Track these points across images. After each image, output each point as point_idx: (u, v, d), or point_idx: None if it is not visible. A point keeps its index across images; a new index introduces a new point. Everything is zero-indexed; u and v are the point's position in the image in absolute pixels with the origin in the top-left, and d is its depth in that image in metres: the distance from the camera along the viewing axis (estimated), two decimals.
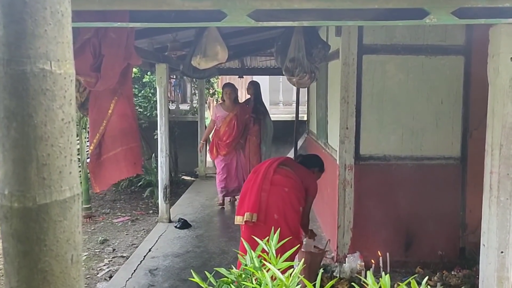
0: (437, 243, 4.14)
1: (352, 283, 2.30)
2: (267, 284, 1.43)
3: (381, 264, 3.58)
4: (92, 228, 5.81)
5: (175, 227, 5.55)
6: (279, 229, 1.84)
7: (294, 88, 8.05)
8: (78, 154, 6.69)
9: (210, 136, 6.77)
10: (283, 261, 1.55)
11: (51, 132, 0.88)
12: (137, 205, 6.90)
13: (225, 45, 4.33)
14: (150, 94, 8.27)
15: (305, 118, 7.86)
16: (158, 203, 5.94)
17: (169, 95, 8.50)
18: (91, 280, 4.27)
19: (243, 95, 10.29)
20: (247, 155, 6.76)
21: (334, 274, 3.79)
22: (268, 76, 11.84)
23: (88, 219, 6.08)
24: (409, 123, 4.10)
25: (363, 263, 3.83)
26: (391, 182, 4.14)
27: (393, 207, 4.12)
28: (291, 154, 7.26)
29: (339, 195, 4.07)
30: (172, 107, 9.65)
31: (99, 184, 3.73)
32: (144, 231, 5.64)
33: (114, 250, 5.03)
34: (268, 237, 1.69)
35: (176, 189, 7.54)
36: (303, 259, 3.29)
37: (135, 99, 8.17)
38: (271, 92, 13.22)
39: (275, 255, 1.57)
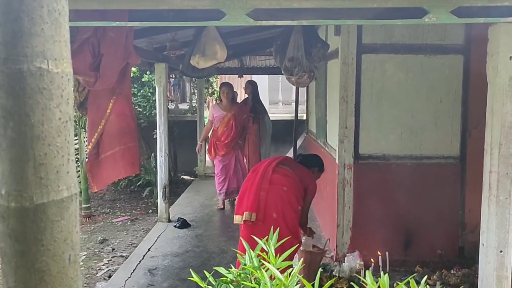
0: (437, 242, 4.14)
1: (351, 283, 2.30)
2: (266, 284, 1.43)
3: (380, 263, 3.58)
4: (92, 227, 5.81)
5: (175, 226, 5.55)
6: (278, 228, 1.84)
7: (294, 88, 8.05)
8: (77, 154, 6.68)
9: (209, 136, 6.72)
10: (282, 261, 1.55)
11: (48, 131, 0.88)
12: (136, 205, 6.90)
13: (224, 45, 4.33)
14: (149, 94, 8.27)
15: (305, 118, 7.86)
16: (157, 203, 5.94)
17: (168, 94, 8.49)
18: (90, 280, 4.27)
19: (242, 94, 10.27)
20: (247, 155, 6.75)
21: (334, 273, 3.79)
22: (267, 76, 11.83)
23: (87, 218, 6.07)
24: (408, 122, 4.10)
25: (363, 262, 3.83)
26: (390, 181, 4.13)
27: (393, 206, 4.12)
28: (290, 154, 7.26)
29: (338, 194, 4.07)
30: (171, 106, 9.66)
31: (97, 184, 3.73)
32: (144, 231, 5.64)
33: (113, 249, 5.03)
34: (267, 236, 1.68)
35: (175, 189, 7.53)
36: (302, 259, 3.30)
37: (134, 98, 8.17)
38: (270, 91, 13.21)
39: (274, 254, 1.57)
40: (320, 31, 5.02)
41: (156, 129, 5.80)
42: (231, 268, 1.60)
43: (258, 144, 6.79)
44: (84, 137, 6.32)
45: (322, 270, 3.68)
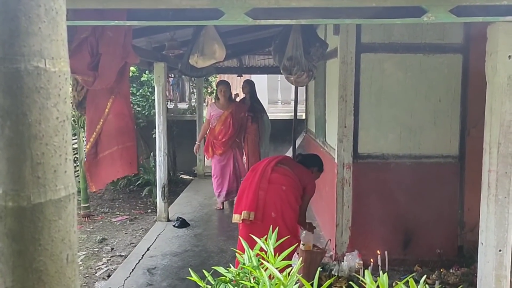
0: (436, 241, 4.14)
1: (350, 282, 2.30)
2: (265, 283, 1.43)
3: (379, 263, 3.58)
4: (91, 227, 5.80)
5: (174, 226, 5.54)
6: (277, 227, 1.83)
7: (293, 87, 8.04)
8: (76, 153, 6.68)
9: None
10: (281, 260, 1.54)
11: (46, 130, 0.87)
12: (135, 204, 6.89)
13: (223, 44, 4.33)
14: (148, 93, 8.26)
15: (304, 117, 7.85)
16: (156, 202, 5.93)
17: (167, 94, 8.49)
18: (89, 279, 4.27)
19: (240, 93, 10.27)
20: (246, 154, 6.74)
21: (333, 272, 3.79)
22: (266, 75, 11.83)
23: (86, 218, 6.06)
24: (407, 121, 4.10)
25: (362, 262, 3.83)
26: (390, 180, 4.13)
27: (392, 205, 4.12)
28: (289, 153, 7.26)
29: (337, 193, 4.07)
30: (170, 106, 9.64)
31: (96, 183, 3.73)
32: (143, 230, 5.63)
33: (112, 249, 5.03)
34: (266, 235, 1.68)
35: (174, 188, 7.53)
36: (301, 258, 3.30)
37: (133, 98, 8.16)
38: (269, 91, 13.20)
39: (273, 254, 1.57)
40: (319, 30, 5.02)
41: (155, 128, 5.79)
42: (230, 267, 1.60)
43: (257, 143, 6.78)
44: (83, 137, 6.31)
45: (321, 269, 3.68)
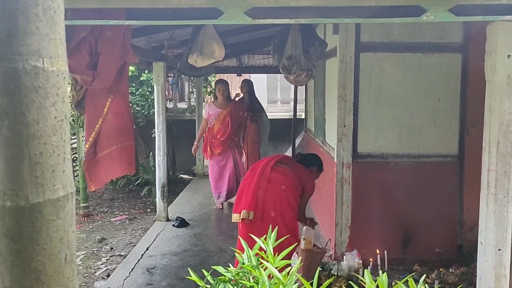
0: (435, 240, 4.14)
1: (350, 281, 2.30)
2: (264, 283, 1.43)
3: (379, 262, 3.58)
4: (90, 227, 5.80)
5: (173, 225, 5.54)
6: (276, 227, 1.83)
7: (292, 86, 8.03)
8: (76, 153, 6.67)
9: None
10: (280, 259, 1.54)
11: (44, 130, 0.87)
12: (135, 204, 6.89)
13: (222, 43, 4.32)
14: (148, 93, 8.26)
15: (303, 116, 7.85)
16: (156, 202, 5.93)
17: (166, 93, 8.49)
18: (88, 279, 4.27)
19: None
20: (246, 154, 6.73)
21: (332, 272, 3.79)
22: (265, 75, 11.83)
23: (86, 217, 6.06)
24: (407, 120, 4.10)
25: (361, 261, 3.83)
26: (389, 180, 4.13)
27: (391, 205, 4.12)
28: (289, 153, 7.26)
29: (337, 193, 4.07)
30: (170, 105, 9.64)
31: (94, 183, 3.73)
32: (142, 230, 5.63)
33: (112, 248, 5.02)
34: (265, 235, 1.68)
35: (174, 188, 7.53)
36: (301, 257, 3.30)
37: (133, 97, 8.15)
38: (269, 90, 13.20)
39: (272, 253, 1.57)
40: (319, 29, 5.01)
41: (154, 128, 5.79)
42: (229, 267, 1.60)
43: (257, 143, 6.78)
44: (82, 136, 6.31)
45: (320, 269, 3.68)
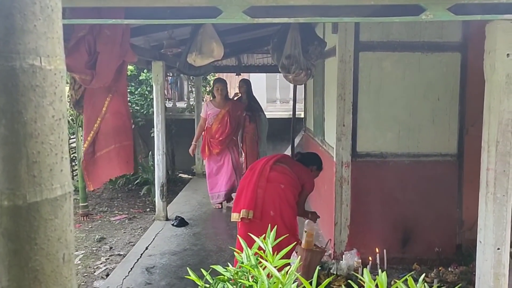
0: (434, 239, 4.15)
1: (349, 281, 2.29)
2: (263, 282, 1.43)
3: (378, 261, 3.58)
4: (89, 226, 5.80)
5: (172, 225, 5.53)
6: (275, 226, 1.83)
7: (291, 86, 8.03)
8: (75, 152, 6.67)
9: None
10: (279, 259, 1.54)
11: (42, 129, 0.87)
12: (134, 203, 6.88)
13: (221, 42, 4.32)
14: (147, 92, 8.25)
15: (302, 116, 7.85)
16: (155, 201, 5.92)
17: (165, 93, 8.48)
18: (88, 278, 4.26)
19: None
20: (244, 153, 6.72)
21: (331, 271, 3.79)
22: (265, 74, 11.82)
23: (85, 217, 6.06)
24: (406, 120, 4.10)
25: (360, 260, 3.83)
26: (388, 179, 4.13)
27: (390, 204, 4.12)
28: (288, 152, 7.26)
29: (336, 192, 4.07)
30: (169, 105, 9.63)
31: (93, 182, 3.73)
32: (141, 229, 5.63)
33: (111, 248, 5.02)
34: (264, 234, 1.68)
35: (173, 187, 7.52)
36: (300, 256, 3.30)
37: (132, 97, 8.14)
38: (268, 89, 13.19)
39: (271, 252, 1.57)
40: (318, 29, 5.01)
41: (153, 127, 5.78)
42: (228, 266, 1.60)
43: (256, 142, 6.77)
44: (82, 136, 6.30)
45: (320, 268, 3.68)
